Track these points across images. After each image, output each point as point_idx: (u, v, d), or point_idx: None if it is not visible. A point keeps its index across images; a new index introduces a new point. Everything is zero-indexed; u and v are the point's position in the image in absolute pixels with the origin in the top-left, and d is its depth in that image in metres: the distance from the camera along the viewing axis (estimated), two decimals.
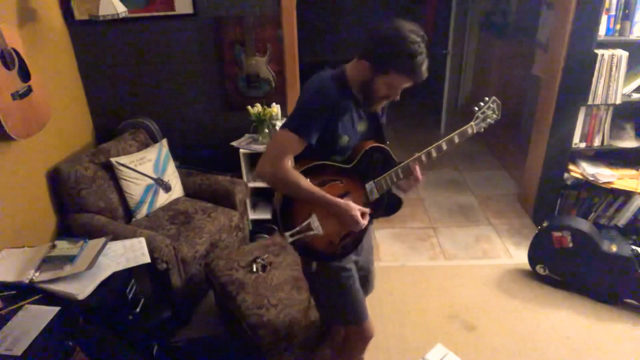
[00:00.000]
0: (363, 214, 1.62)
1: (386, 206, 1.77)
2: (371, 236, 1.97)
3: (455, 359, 2.27)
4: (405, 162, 1.66)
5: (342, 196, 1.62)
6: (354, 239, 1.73)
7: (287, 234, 1.60)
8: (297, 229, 1.60)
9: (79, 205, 2.60)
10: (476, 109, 1.72)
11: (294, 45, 3.13)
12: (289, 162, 1.54)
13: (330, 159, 1.61)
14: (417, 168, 1.66)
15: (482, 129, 1.74)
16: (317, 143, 1.54)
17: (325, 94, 1.52)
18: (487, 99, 1.74)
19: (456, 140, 1.67)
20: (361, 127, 1.64)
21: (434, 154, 1.66)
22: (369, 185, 1.67)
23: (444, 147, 1.67)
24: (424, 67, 1.46)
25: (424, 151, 1.66)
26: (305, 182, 1.54)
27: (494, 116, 1.74)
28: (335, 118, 1.53)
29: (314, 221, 1.60)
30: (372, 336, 1.91)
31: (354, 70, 1.55)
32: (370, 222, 1.70)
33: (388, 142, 1.72)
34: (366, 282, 1.99)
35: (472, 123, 1.71)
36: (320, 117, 1.51)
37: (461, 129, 1.69)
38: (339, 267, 1.74)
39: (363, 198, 1.68)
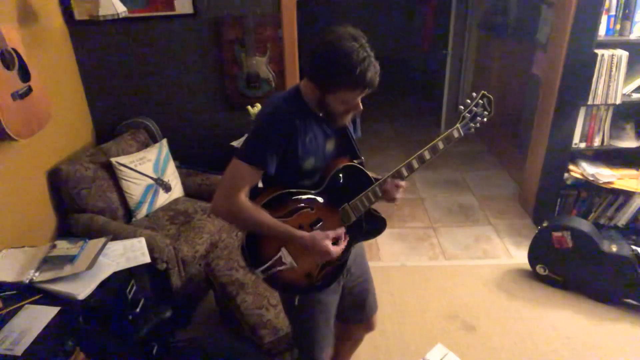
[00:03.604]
0: (337, 239, 1.46)
1: (368, 229, 1.60)
2: (363, 254, 1.81)
3: (455, 359, 2.27)
4: (382, 178, 1.50)
5: (314, 224, 1.47)
6: (335, 267, 1.56)
7: (258, 270, 1.47)
8: (268, 264, 1.46)
9: (79, 205, 2.60)
10: (462, 107, 1.52)
11: (294, 45, 3.13)
12: (245, 196, 1.39)
13: (298, 185, 1.47)
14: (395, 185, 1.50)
15: (473, 130, 1.53)
16: (280, 169, 1.41)
17: (278, 116, 1.39)
18: (474, 94, 1.53)
19: (440, 146, 1.49)
20: (329, 145, 1.50)
21: (416, 165, 1.50)
22: (344, 209, 1.51)
23: (427, 156, 1.49)
24: (370, 74, 1.30)
25: (404, 164, 1.50)
26: (265, 217, 1.39)
27: (485, 113, 1.53)
28: (294, 140, 1.39)
29: (285, 255, 1.46)
30: None
31: (306, 89, 1.43)
32: (351, 247, 1.56)
33: (363, 158, 1.56)
34: (362, 305, 1.84)
35: (457, 125, 1.51)
36: (274, 142, 1.38)
37: (445, 133, 1.50)
38: (315, 301, 1.61)
39: (339, 223, 1.52)
